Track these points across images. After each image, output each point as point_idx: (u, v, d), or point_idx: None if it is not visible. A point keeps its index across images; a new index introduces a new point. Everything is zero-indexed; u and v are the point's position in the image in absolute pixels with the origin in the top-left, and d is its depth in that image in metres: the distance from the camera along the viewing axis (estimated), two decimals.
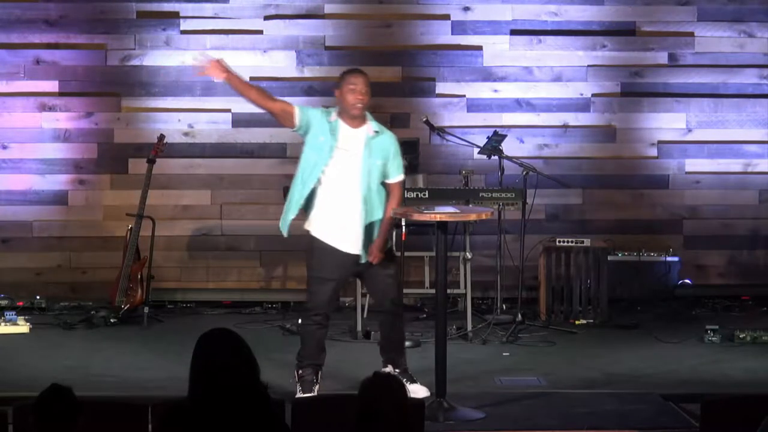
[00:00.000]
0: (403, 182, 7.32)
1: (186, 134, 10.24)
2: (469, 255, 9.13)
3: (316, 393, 7.12)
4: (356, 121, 7.15)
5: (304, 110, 7.20)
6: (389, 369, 7.27)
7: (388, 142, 7.20)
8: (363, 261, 7.16)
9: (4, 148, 10.15)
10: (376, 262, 7.13)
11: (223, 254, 10.30)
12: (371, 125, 7.17)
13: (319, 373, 7.25)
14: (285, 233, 7.27)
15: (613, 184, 10.43)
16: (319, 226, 7.18)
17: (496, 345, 8.78)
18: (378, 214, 7.15)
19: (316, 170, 7.12)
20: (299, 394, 7.10)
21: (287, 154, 10.24)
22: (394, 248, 7.53)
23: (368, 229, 7.14)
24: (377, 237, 7.14)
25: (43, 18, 10.10)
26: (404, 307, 7.60)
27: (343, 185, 7.11)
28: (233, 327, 4.43)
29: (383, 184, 7.19)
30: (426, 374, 7.22)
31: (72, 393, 4.27)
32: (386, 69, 10.28)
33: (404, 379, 7.10)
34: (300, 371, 7.24)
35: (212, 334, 4.29)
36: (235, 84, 7.19)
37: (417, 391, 7.12)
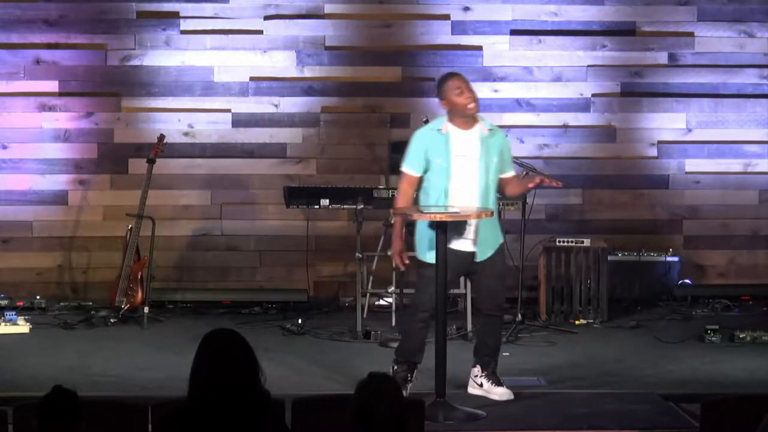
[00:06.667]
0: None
1: (186, 134, 10.23)
2: None
3: (408, 391, 6.99)
4: (469, 123, 7.14)
5: (416, 156, 7.08)
6: (476, 370, 7.26)
7: (503, 140, 7.26)
8: (478, 259, 7.12)
9: (4, 148, 10.15)
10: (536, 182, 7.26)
11: (223, 254, 10.29)
12: (484, 125, 7.18)
13: (415, 372, 7.18)
14: (431, 260, 6.98)
15: (613, 184, 10.43)
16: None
17: None
18: (492, 209, 7.11)
19: (444, 191, 7.06)
20: None
21: (287, 154, 10.24)
22: (506, 250, 7.45)
23: (483, 226, 7.09)
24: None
25: (43, 18, 10.10)
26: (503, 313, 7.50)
27: (464, 188, 7.08)
28: (233, 327, 4.44)
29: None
30: (426, 374, 7.21)
31: (76, 396, 4.23)
32: (386, 69, 10.27)
33: (491, 382, 7.22)
34: (395, 367, 7.18)
35: (216, 334, 4.30)
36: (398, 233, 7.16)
37: (502, 394, 7.13)
